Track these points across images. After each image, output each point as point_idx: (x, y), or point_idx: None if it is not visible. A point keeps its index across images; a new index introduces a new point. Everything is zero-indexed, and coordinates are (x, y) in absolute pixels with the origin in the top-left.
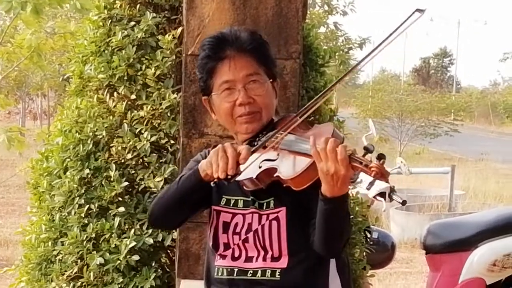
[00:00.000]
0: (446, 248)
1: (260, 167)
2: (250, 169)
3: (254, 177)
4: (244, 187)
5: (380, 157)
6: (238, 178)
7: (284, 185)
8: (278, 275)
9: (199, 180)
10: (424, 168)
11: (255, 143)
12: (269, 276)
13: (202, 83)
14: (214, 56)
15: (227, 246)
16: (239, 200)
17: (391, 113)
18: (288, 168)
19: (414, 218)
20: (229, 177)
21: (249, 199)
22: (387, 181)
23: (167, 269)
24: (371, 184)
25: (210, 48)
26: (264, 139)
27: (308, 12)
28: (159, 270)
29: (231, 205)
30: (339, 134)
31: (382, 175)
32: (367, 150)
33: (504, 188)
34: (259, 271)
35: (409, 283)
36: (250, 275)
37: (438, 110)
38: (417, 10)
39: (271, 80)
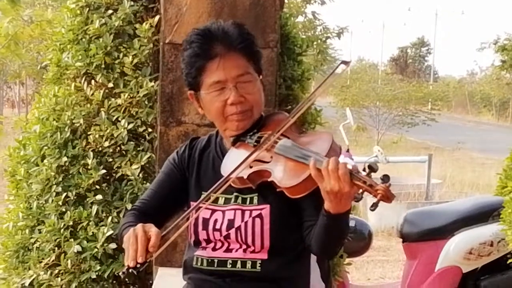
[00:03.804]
0: (422, 236)
1: (251, 167)
2: (236, 167)
3: (245, 177)
4: (232, 184)
5: (385, 179)
6: (231, 175)
7: (277, 190)
8: (259, 266)
9: None
10: (402, 157)
11: (243, 139)
12: (249, 267)
13: (190, 79)
14: (203, 54)
15: (208, 241)
16: (220, 198)
17: (369, 102)
18: (284, 175)
19: (391, 206)
20: (138, 265)
21: (231, 196)
22: (390, 202)
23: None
24: (375, 205)
25: (199, 45)
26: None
27: (286, 1)
28: None
29: (211, 201)
30: (337, 144)
31: (387, 197)
32: (371, 169)
33: (480, 177)
34: (239, 262)
35: (386, 271)
36: (230, 265)
37: (415, 99)
38: (343, 62)
39: (259, 75)
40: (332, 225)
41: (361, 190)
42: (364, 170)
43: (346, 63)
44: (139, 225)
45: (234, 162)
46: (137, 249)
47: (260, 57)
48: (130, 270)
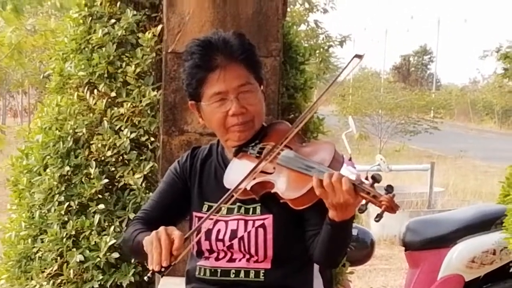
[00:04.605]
0: (425, 245)
1: (254, 178)
2: (242, 179)
3: (249, 188)
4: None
5: (389, 189)
6: (239, 185)
7: (281, 201)
8: (263, 276)
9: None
10: (404, 165)
11: (246, 150)
12: (253, 277)
13: (191, 90)
14: (204, 65)
15: (211, 251)
16: (222, 208)
17: (371, 110)
18: (288, 187)
19: (393, 215)
20: (163, 269)
21: (234, 206)
22: (394, 213)
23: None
24: (380, 216)
25: (200, 56)
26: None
27: (288, 10)
28: (138, 267)
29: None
30: (339, 154)
31: (391, 208)
32: (375, 180)
33: (483, 185)
34: (242, 272)
35: (389, 280)
36: (233, 275)
37: (418, 107)
38: (356, 55)
39: (260, 84)
40: (337, 234)
41: (365, 201)
42: (366, 179)
43: (359, 56)
44: (162, 228)
45: (238, 173)
46: (161, 253)
47: (261, 67)
48: (155, 275)
